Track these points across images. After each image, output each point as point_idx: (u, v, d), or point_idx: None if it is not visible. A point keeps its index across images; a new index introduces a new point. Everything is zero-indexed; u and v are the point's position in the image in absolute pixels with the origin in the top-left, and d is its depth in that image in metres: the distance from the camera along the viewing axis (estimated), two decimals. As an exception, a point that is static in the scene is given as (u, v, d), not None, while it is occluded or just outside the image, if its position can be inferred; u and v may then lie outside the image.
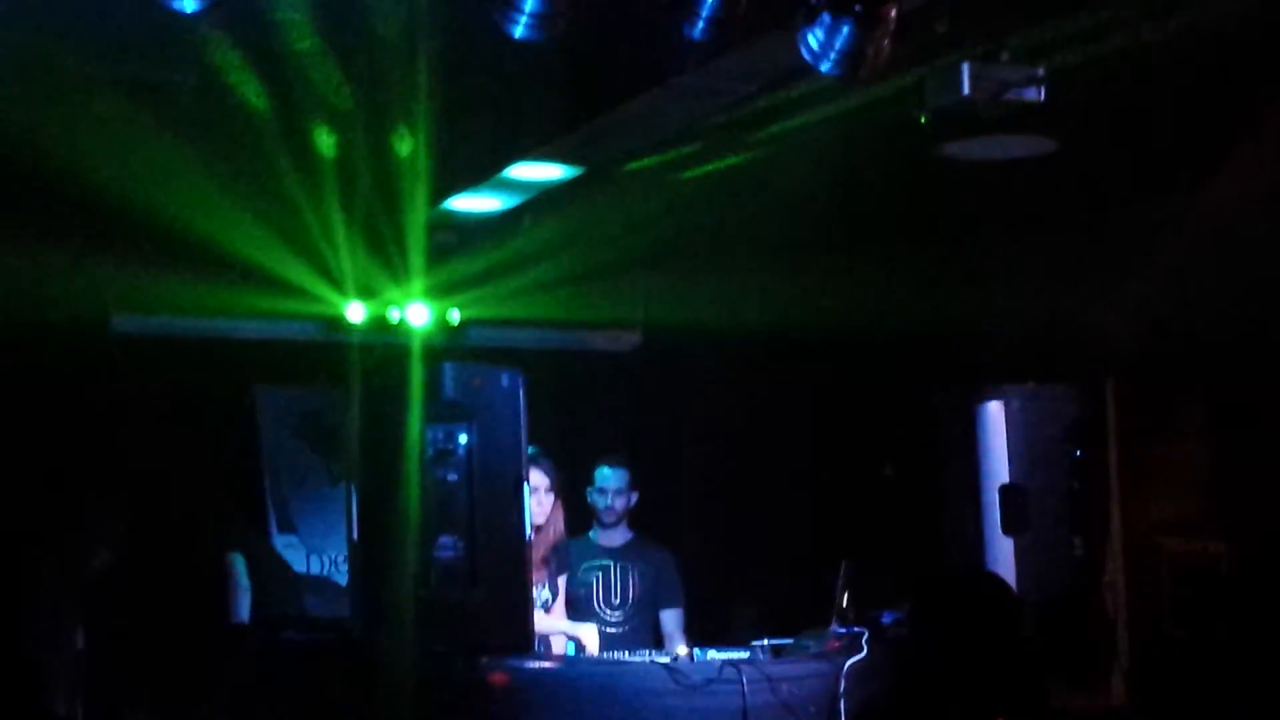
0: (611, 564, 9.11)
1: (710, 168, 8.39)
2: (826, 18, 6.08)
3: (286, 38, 6.89)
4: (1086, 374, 9.39)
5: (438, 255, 9.69)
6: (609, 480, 9.14)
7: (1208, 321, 9.11)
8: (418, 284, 9.85)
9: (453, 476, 7.72)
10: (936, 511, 9.60)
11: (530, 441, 8.09)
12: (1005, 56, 6.80)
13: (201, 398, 9.94)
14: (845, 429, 10.50)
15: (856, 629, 7.85)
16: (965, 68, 6.76)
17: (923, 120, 7.02)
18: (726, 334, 10.00)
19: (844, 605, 7.97)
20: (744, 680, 7.50)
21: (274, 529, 10.57)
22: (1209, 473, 9.82)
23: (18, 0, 6.72)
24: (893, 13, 6.07)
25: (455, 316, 10.15)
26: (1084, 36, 6.73)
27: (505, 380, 7.93)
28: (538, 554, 8.80)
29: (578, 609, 8.94)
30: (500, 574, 7.76)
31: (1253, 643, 9.27)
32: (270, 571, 10.24)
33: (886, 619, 8.19)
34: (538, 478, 8.68)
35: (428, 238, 9.33)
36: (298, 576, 10.53)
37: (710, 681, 7.51)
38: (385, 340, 9.88)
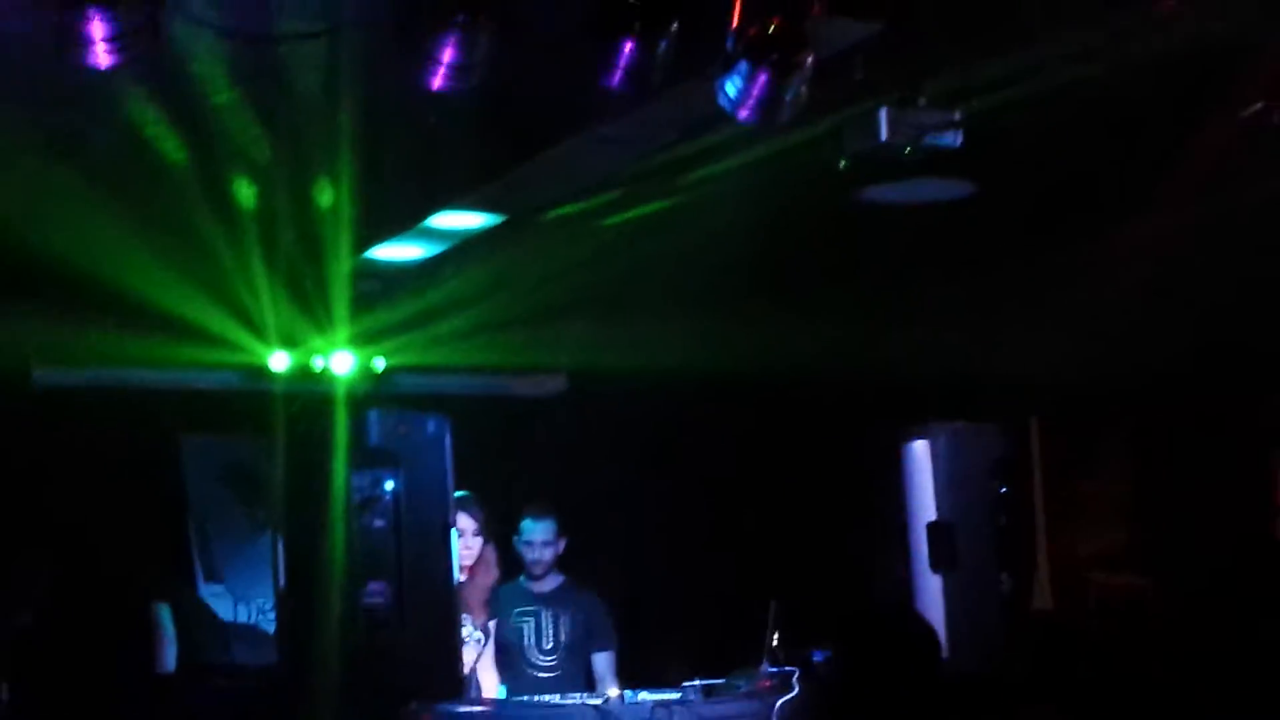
0: (541, 610, 9.09)
1: (632, 214, 8.40)
2: (744, 66, 6.11)
3: (204, 91, 6.87)
4: (1010, 412, 9.45)
5: (361, 303, 9.65)
6: (535, 533, 9.09)
7: (1129, 359, 9.21)
8: (341, 332, 9.82)
9: (380, 523, 7.72)
10: (864, 549, 9.64)
11: (457, 486, 8.10)
12: (922, 102, 6.84)
13: (126, 448, 9.89)
14: (772, 471, 10.53)
15: (787, 668, 7.87)
16: (883, 113, 6.79)
17: (842, 165, 7.06)
18: (652, 378, 10.00)
19: (774, 644, 7.98)
20: (675, 721, 7.53)
21: (200, 578, 10.52)
22: (1133, 506, 9.92)
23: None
24: (809, 60, 6.11)
25: (380, 364, 10.13)
26: (1000, 81, 6.79)
27: (431, 426, 7.94)
28: (478, 598, 8.80)
29: (509, 655, 8.93)
30: (429, 619, 7.76)
31: (1176, 673, 9.35)
32: (197, 620, 10.19)
33: (817, 657, 8.21)
34: (465, 521, 8.67)
35: (351, 286, 9.31)
36: (225, 625, 10.48)
37: (642, 722, 7.53)
38: (309, 388, 9.84)
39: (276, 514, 8.38)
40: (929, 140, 6.86)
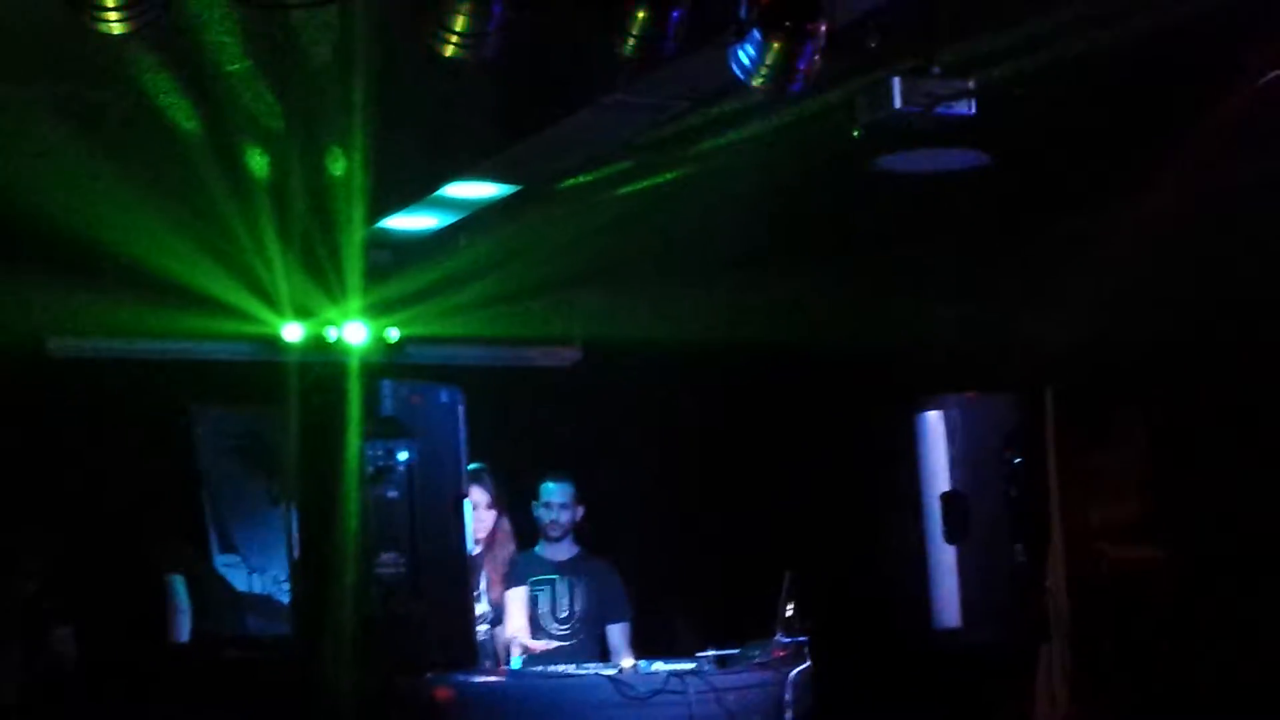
0: (557, 579, 9.10)
1: (645, 184, 8.40)
2: (757, 34, 6.09)
3: (218, 60, 6.87)
4: (1024, 383, 9.44)
5: (374, 274, 9.65)
6: (554, 495, 9.12)
7: (1145, 329, 9.18)
8: (355, 303, 9.81)
9: (393, 493, 7.74)
10: (878, 520, 9.64)
11: (470, 458, 8.11)
12: (936, 70, 6.83)
13: (139, 419, 9.89)
14: (786, 441, 10.52)
15: (801, 638, 7.89)
16: (896, 82, 6.78)
17: (856, 134, 7.04)
18: (665, 348, 10.01)
19: (787, 615, 8.00)
20: (690, 691, 7.56)
21: (215, 549, 10.52)
22: (1147, 478, 9.90)
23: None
24: (823, 28, 6.09)
25: (393, 334, 10.13)
26: (1013, 50, 6.78)
27: (444, 397, 7.95)
28: (496, 571, 8.81)
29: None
30: (442, 589, 7.79)
31: (1191, 645, 9.35)
32: (211, 592, 10.20)
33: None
34: (478, 494, 8.69)
35: (364, 256, 9.31)
36: (239, 596, 10.48)
37: (656, 693, 7.56)
38: (323, 359, 9.84)
39: (290, 485, 8.40)
40: (942, 109, 6.85)
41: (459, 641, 7.84)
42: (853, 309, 9.64)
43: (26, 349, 9.54)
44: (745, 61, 6.19)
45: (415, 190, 8.66)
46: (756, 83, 6.23)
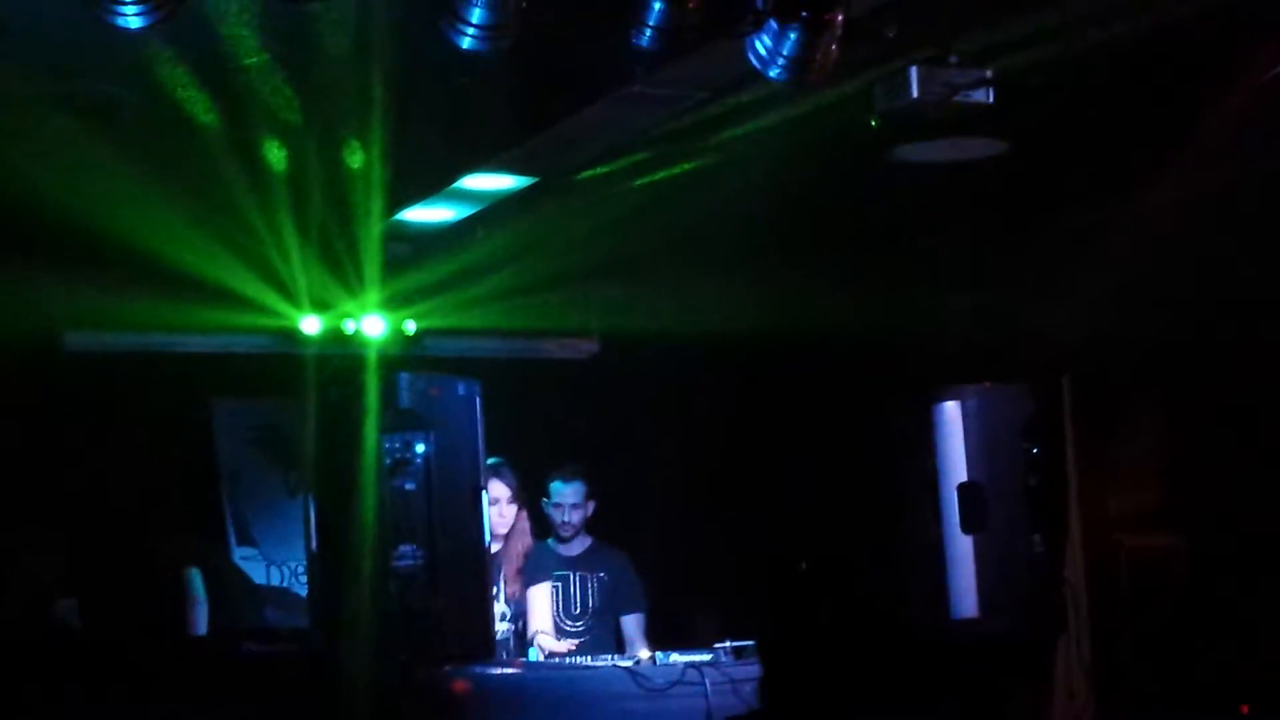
0: (570, 573, 9.09)
1: (662, 175, 8.38)
2: (773, 24, 6.10)
3: (234, 53, 6.87)
4: (1042, 372, 9.43)
5: (392, 266, 9.66)
6: (565, 495, 9.08)
7: (1161, 318, 9.17)
8: (372, 295, 9.83)
9: (410, 486, 7.74)
10: (895, 511, 9.63)
11: (488, 450, 8.11)
12: (953, 59, 6.83)
13: (157, 413, 9.90)
14: (802, 432, 10.51)
15: (816, 630, 7.87)
16: (914, 71, 6.78)
17: (873, 124, 7.04)
18: (683, 340, 10.00)
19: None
20: (707, 682, 7.55)
21: (233, 541, 10.54)
22: (1166, 467, 9.87)
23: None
24: (840, 18, 6.09)
25: (411, 327, 10.14)
26: (1030, 39, 6.77)
27: (461, 389, 7.95)
28: (511, 566, 8.81)
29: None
30: (460, 581, 7.78)
31: (1210, 634, 9.33)
32: (229, 584, 10.21)
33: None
34: (499, 489, 8.69)
35: (382, 249, 9.31)
36: (257, 588, 10.50)
37: (673, 684, 7.57)
38: (341, 352, 9.85)
39: (308, 477, 8.39)
40: (960, 98, 6.84)
41: (476, 634, 7.85)
42: (869, 300, 9.62)
43: (43, 344, 9.55)
44: (762, 52, 6.20)
45: (433, 182, 8.67)
46: (774, 73, 6.23)
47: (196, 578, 9.75)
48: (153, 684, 8.23)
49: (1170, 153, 8.16)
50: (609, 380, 10.98)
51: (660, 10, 5.99)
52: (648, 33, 6.05)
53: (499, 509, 8.67)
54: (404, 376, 7.92)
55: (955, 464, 8.84)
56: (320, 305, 9.90)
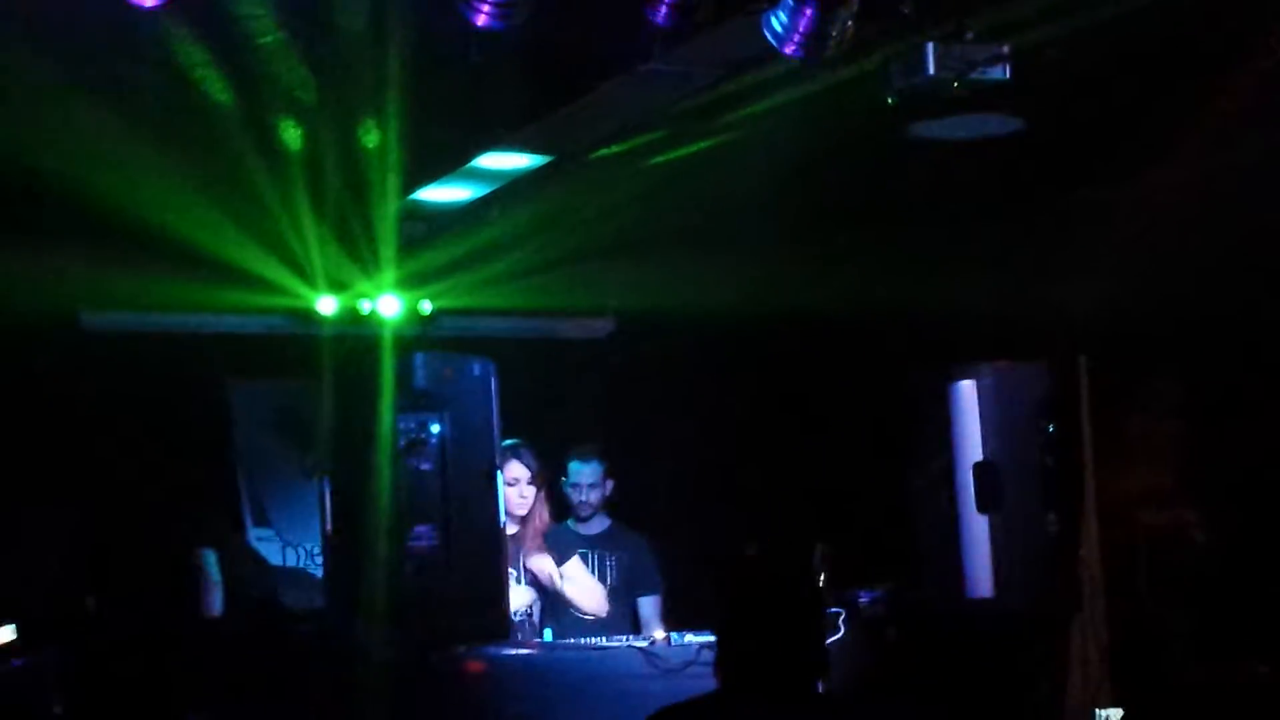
0: (588, 553, 9.10)
1: (678, 154, 8.36)
2: (790, 1, 6.08)
3: (249, 32, 6.86)
4: (1058, 350, 9.40)
5: (407, 246, 9.67)
6: (582, 475, 9.11)
7: (1178, 295, 9.15)
8: (388, 275, 9.84)
9: (426, 466, 7.74)
10: (910, 491, 9.61)
11: (504, 430, 8.10)
12: (970, 35, 6.79)
13: (173, 393, 9.92)
14: (818, 411, 10.51)
15: (833, 609, 7.87)
16: (930, 47, 6.74)
17: (890, 101, 7.01)
18: (698, 319, 9.99)
19: (820, 586, 7.98)
20: (722, 663, 7.53)
21: (248, 522, 10.56)
22: (1182, 445, 9.85)
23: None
24: (855, -6, 6.09)
25: (426, 307, 10.14)
26: (1048, 13, 6.73)
27: (477, 369, 7.95)
28: (533, 544, 8.81)
29: (555, 598, 8.94)
30: (475, 562, 7.79)
31: (1227, 611, 9.32)
32: (245, 565, 10.23)
33: (863, 598, 8.23)
34: (519, 470, 8.69)
35: (397, 229, 9.32)
36: (273, 569, 10.52)
37: (688, 664, 7.55)
38: (356, 332, 9.87)
39: (323, 458, 8.40)
40: (977, 74, 6.81)
41: (491, 614, 7.85)
42: (885, 278, 9.61)
43: (60, 323, 9.57)
44: (778, 29, 6.19)
45: (448, 162, 8.66)
46: (789, 50, 6.22)
47: (211, 558, 9.77)
48: (169, 663, 8.25)
49: (1187, 128, 8.13)
50: (625, 359, 10.98)
51: (676, -13, 5.98)
52: (663, 10, 6.05)
53: (518, 490, 8.67)
54: (419, 356, 7.92)
55: (971, 443, 8.81)
56: (336, 285, 9.91)
